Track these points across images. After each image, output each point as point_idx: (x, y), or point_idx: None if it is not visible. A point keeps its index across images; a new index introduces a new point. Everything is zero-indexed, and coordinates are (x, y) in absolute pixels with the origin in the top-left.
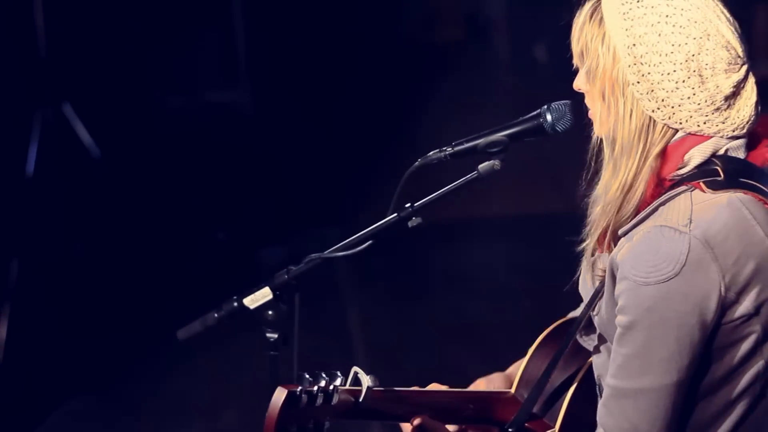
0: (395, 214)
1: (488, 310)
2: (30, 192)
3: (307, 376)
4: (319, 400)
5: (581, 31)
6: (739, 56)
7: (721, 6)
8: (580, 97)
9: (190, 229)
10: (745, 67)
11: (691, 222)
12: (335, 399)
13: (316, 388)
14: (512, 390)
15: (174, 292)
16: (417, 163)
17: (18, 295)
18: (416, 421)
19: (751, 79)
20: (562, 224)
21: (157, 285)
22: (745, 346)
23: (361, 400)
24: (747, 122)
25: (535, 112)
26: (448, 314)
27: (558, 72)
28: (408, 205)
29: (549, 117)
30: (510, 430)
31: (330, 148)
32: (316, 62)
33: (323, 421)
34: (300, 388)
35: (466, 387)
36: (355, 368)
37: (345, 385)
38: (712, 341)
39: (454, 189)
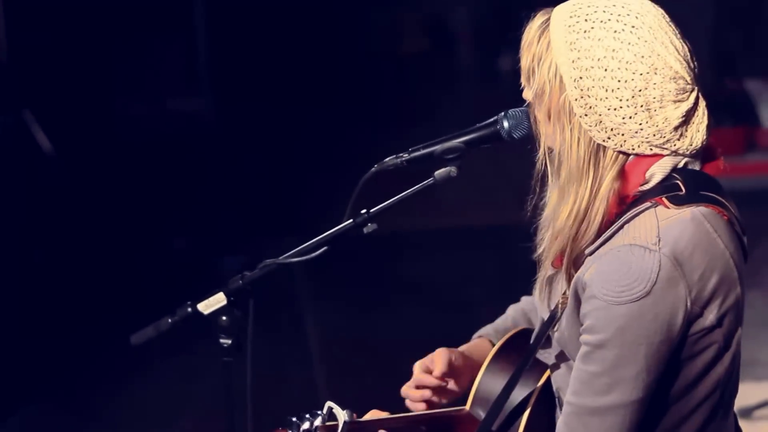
0: (350, 221)
1: (446, 320)
2: None
3: (294, 419)
4: None
5: (529, 49)
6: (687, 84)
7: (670, 32)
8: None
9: (150, 237)
10: (694, 94)
11: (660, 240)
12: None
13: (302, 431)
14: (467, 407)
15: (134, 300)
16: (373, 169)
17: None
18: None
19: (702, 104)
20: (521, 233)
21: (117, 292)
22: (707, 356)
23: None
24: (699, 147)
25: (492, 119)
26: (406, 324)
27: (520, 82)
28: (363, 211)
29: (506, 124)
30: None
31: (291, 156)
32: (278, 71)
33: None
34: None
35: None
36: (329, 403)
37: (325, 421)
38: (677, 354)
39: (410, 195)
